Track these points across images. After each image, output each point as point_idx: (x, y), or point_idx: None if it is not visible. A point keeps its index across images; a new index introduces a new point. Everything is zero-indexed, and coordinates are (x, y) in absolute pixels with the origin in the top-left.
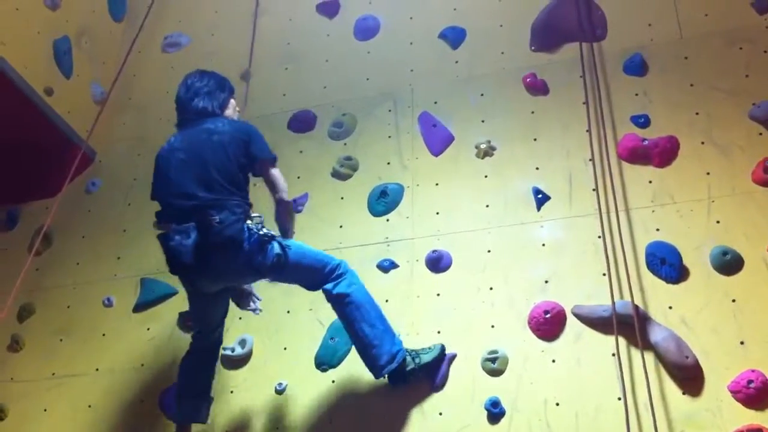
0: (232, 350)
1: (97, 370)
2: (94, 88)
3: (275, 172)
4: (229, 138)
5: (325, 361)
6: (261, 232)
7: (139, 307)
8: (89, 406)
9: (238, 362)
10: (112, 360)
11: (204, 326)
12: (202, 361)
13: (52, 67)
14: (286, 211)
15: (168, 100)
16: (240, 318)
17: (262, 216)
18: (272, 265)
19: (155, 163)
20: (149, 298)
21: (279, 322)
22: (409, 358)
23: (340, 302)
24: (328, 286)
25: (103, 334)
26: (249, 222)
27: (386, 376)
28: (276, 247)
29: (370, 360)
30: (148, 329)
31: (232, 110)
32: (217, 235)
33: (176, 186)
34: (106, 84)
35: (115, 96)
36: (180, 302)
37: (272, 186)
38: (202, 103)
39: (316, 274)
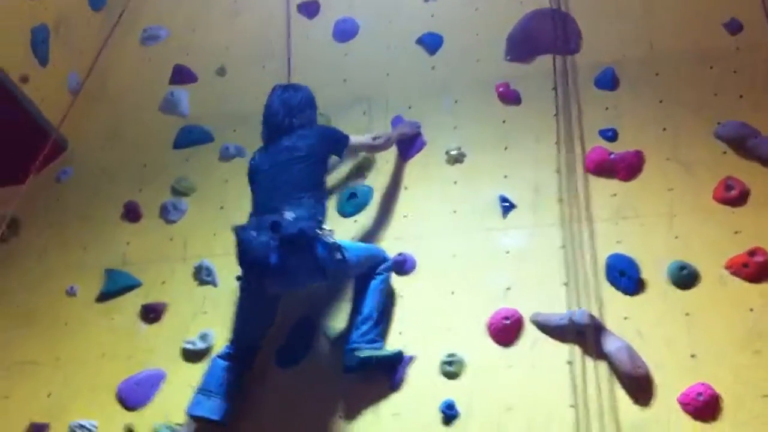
0: (194, 344)
1: (58, 359)
2: (70, 78)
3: (353, 140)
4: (307, 151)
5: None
6: (331, 241)
7: (102, 298)
8: (48, 395)
9: (199, 356)
10: (74, 349)
11: (245, 338)
12: (233, 368)
13: (29, 55)
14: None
15: (144, 93)
16: (205, 312)
17: (333, 231)
18: (336, 270)
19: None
20: (113, 289)
21: None
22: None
23: (367, 280)
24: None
25: (66, 324)
26: (320, 231)
27: (346, 357)
28: (340, 254)
29: (352, 333)
30: (112, 319)
31: None
32: (289, 227)
33: (262, 205)
34: (83, 74)
35: (90, 86)
36: (143, 294)
37: (365, 147)
38: (296, 121)
39: (369, 265)
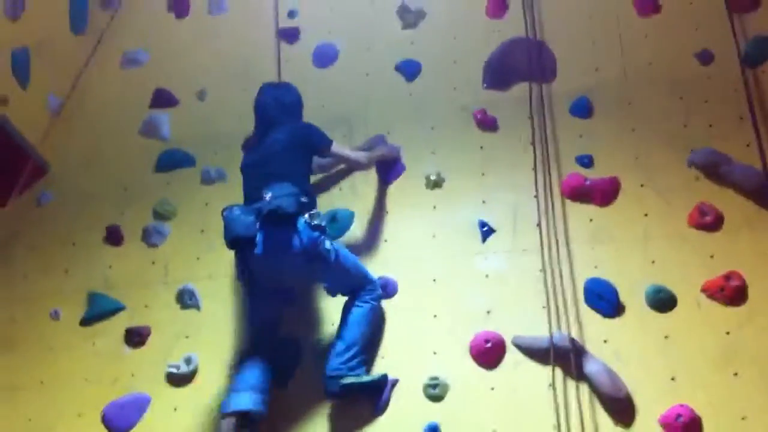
0: (177, 368)
1: (41, 383)
2: (50, 100)
3: (336, 147)
4: (290, 143)
5: None
6: (314, 222)
7: (86, 321)
8: (29, 420)
9: (184, 380)
10: (57, 373)
11: (260, 330)
12: (260, 358)
13: (9, 77)
14: (369, 166)
15: (124, 116)
16: (188, 336)
17: (321, 214)
18: (321, 254)
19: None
20: (96, 313)
21: (225, 342)
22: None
23: (354, 304)
24: (353, 298)
25: (50, 348)
26: (306, 216)
27: (328, 383)
28: (327, 243)
29: (331, 360)
30: (94, 344)
31: None
32: (269, 204)
33: (248, 195)
34: (63, 96)
35: (70, 109)
36: (126, 318)
37: (343, 159)
38: (285, 117)
39: (354, 280)
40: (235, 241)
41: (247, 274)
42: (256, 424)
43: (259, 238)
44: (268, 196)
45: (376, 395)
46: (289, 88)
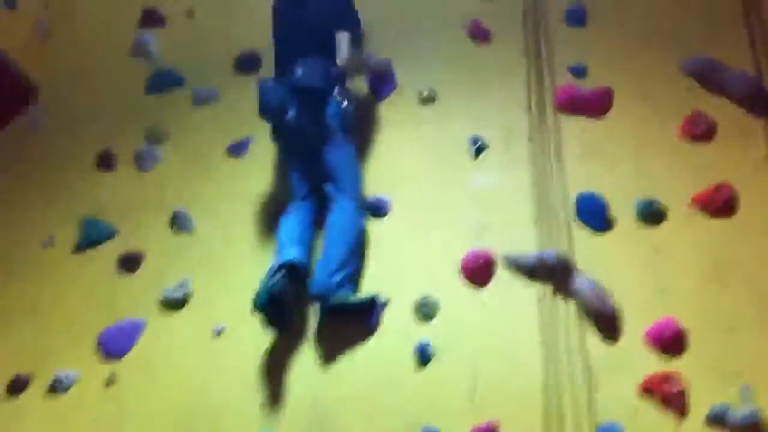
0: (172, 292)
1: (35, 309)
2: (38, 24)
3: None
4: (327, 14)
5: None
6: (343, 101)
7: (79, 247)
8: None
9: (178, 304)
10: (52, 299)
11: (307, 180)
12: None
13: None
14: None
15: (113, 36)
16: (182, 260)
17: (350, 92)
18: (339, 116)
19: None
20: (89, 239)
21: (219, 266)
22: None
23: (339, 212)
24: (343, 195)
25: (43, 274)
26: (336, 95)
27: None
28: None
29: (317, 273)
30: (90, 269)
31: None
32: (299, 80)
33: (281, 67)
34: (51, 19)
35: (59, 31)
36: (120, 243)
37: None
38: None
39: (349, 179)
40: (268, 111)
41: (281, 140)
42: (302, 276)
43: (291, 113)
44: (300, 71)
45: (365, 315)
46: None
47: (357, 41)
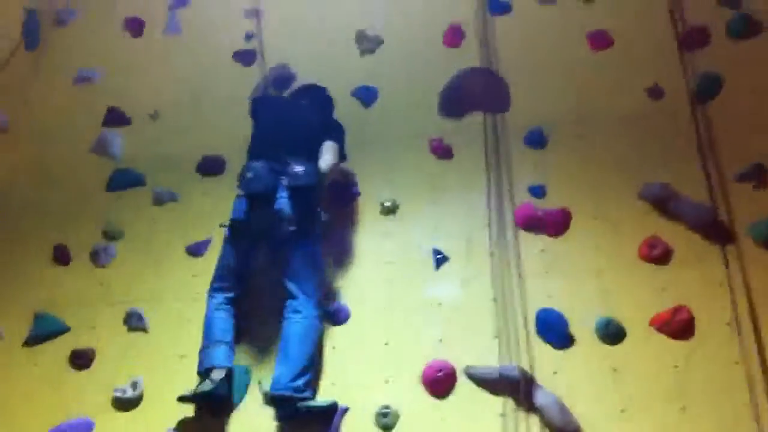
0: (123, 392)
1: None
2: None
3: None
4: (312, 121)
5: None
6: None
7: (30, 342)
8: None
9: (129, 404)
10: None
11: (229, 278)
12: (224, 315)
13: None
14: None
15: (76, 133)
16: (134, 359)
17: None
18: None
19: None
20: (41, 333)
21: (172, 365)
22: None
23: (297, 318)
24: (305, 297)
25: None
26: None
27: (275, 399)
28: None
29: (279, 375)
30: (39, 365)
31: None
32: (296, 179)
33: (263, 150)
34: (12, 113)
35: (19, 125)
36: (72, 339)
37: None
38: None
39: (313, 282)
40: (255, 194)
41: (243, 223)
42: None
43: (281, 201)
44: (298, 168)
45: (325, 421)
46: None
47: (340, 152)
